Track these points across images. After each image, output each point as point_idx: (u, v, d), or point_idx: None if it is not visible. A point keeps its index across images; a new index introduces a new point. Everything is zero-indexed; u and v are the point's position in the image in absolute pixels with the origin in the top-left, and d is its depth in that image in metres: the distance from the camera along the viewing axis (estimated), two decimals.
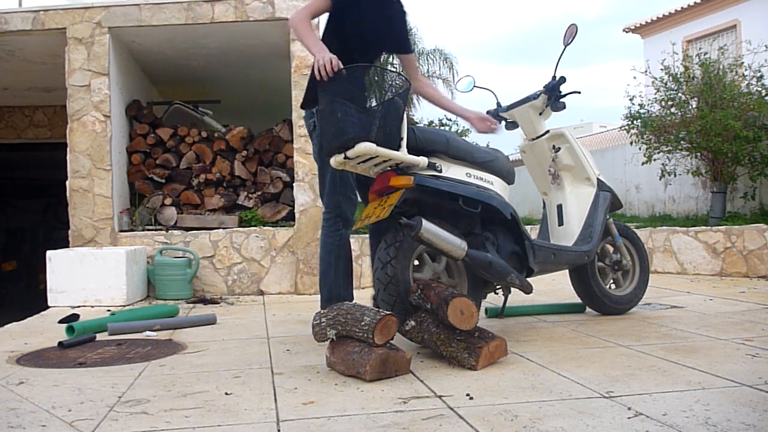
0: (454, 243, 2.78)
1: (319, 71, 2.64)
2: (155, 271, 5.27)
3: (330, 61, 2.63)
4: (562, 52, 3.42)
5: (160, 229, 5.66)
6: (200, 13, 5.53)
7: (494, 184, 3.05)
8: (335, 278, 3.18)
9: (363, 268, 5.66)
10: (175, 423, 1.95)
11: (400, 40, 3.25)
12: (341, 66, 2.64)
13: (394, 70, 2.77)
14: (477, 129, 3.37)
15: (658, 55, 7.79)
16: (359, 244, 5.70)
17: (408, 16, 3.27)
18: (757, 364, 2.45)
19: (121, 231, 5.60)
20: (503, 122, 3.69)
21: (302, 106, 3.22)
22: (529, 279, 3.16)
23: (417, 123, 15.15)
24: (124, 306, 4.81)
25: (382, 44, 3.23)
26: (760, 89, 6.67)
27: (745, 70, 7.06)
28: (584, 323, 3.51)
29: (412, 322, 2.70)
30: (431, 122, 17.84)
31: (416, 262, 2.98)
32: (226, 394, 2.26)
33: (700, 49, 8.77)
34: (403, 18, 3.23)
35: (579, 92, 3.55)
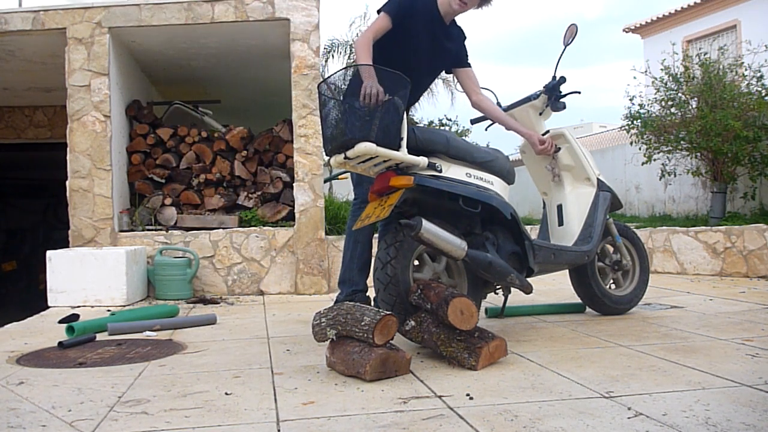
0: (454, 243, 2.78)
1: (365, 98, 2.60)
2: (155, 271, 5.27)
3: (378, 93, 2.59)
4: (562, 52, 3.43)
5: (160, 229, 5.66)
6: (200, 13, 5.53)
7: (494, 184, 3.05)
8: (349, 262, 3.37)
9: None
10: (175, 423, 1.95)
11: (457, 59, 3.30)
12: (384, 98, 2.61)
13: (394, 70, 2.77)
14: (535, 150, 3.43)
15: (658, 55, 7.78)
16: None
17: (466, 39, 3.31)
18: (757, 364, 2.45)
19: (121, 231, 5.60)
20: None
21: None
22: (529, 279, 3.16)
23: (417, 123, 15.16)
24: (124, 306, 4.81)
25: (436, 68, 3.28)
26: (760, 89, 6.66)
27: (745, 70, 7.05)
28: (584, 323, 3.51)
29: (412, 322, 2.70)
30: (431, 122, 17.85)
31: (416, 263, 2.98)
32: (226, 394, 2.26)
33: (700, 49, 8.78)
34: (461, 41, 3.29)
35: (579, 92, 3.55)
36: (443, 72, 3.47)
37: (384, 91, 2.61)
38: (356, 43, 3.02)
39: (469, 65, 3.35)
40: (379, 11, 3.08)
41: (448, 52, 3.25)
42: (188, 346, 3.21)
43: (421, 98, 3.43)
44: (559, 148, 3.59)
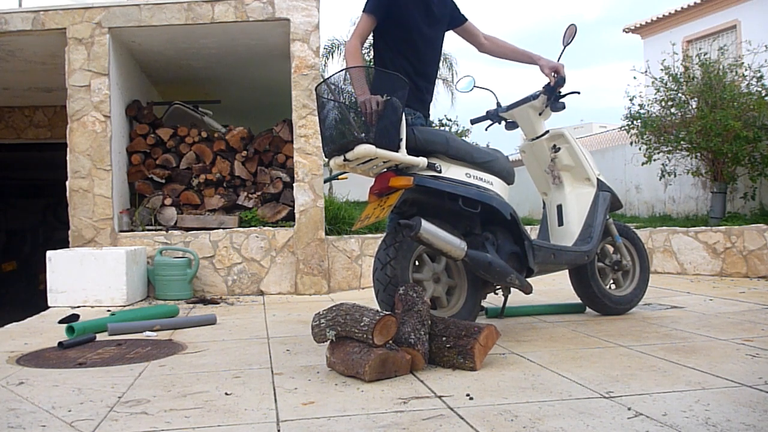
0: (454, 243, 2.78)
1: (367, 117, 2.62)
2: (155, 271, 5.27)
3: (377, 105, 2.61)
4: (562, 52, 3.43)
5: (160, 230, 5.66)
6: (200, 13, 5.53)
7: (494, 184, 3.06)
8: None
9: (363, 268, 5.66)
10: (175, 423, 1.95)
11: (452, 20, 3.28)
12: (380, 105, 2.62)
13: (392, 71, 2.77)
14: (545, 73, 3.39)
15: (658, 55, 7.78)
16: (359, 244, 5.71)
17: None
18: (757, 364, 2.45)
19: (121, 231, 5.60)
20: (503, 122, 3.69)
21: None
22: (529, 279, 3.16)
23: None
24: (124, 306, 4.81)
25: (439, 36, 3.24)
26: (760, 89, 6.66)
27: (745, 70, 7.05)
28: (584, 323, 3.51)
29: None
30: (431, 122, 17.87)
31: (416, 263, 2.98)
32: (226, 394, 2.26)
33: (700, 49, 8.77)
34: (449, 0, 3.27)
35: (578, 92, 3.55)
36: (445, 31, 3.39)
37: (382, 94, 2.61)
38: (345, 51, 3.02)
39: (466, 20, 3.33)
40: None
41: (443, 19, 3.23)
42: (188, 346, 3.21)
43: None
44: (559, 148, 3.59)
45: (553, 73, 3.35)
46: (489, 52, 3.44)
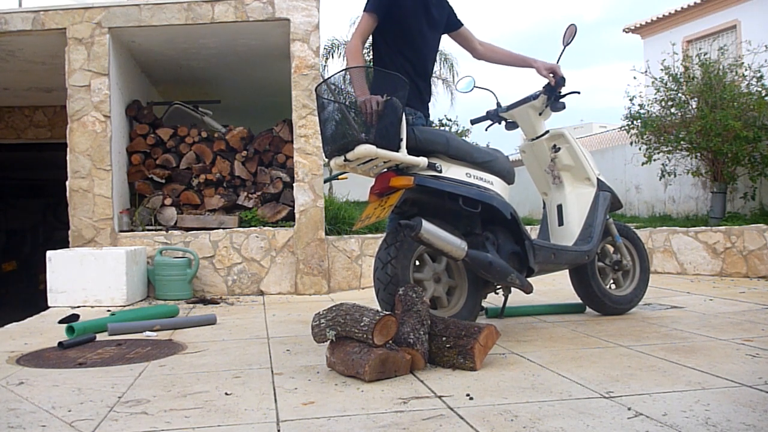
0: (454, 243, 2.78)
1: (367, 117, 2.63)
2: (155, 271, 5.27)
3: (377, 105, 2.61)
4: (562, 52, 3.43)
5: (160, 230, 5.66)
6: (200, 13, 5.53)
7: (494, 184, 3.06)
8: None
9: (363, 268, 5.66)
10: (175, 423, 1.95)
11: (448, 24, 3.30)
12: (380, 105, 2.63)
13: (392, 71, 2.77)
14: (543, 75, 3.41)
15: (658, 55, 7.78)
16: (359, 244, 5.71)
17: None
18: (757, 364, 2.45)
19: (121, 231, 5.60)
20: (503, 122, 3.69)
21: None
22: (529, 279, 3.16)
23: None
24: (124, 306, 4.81)
25: (437, 33, 3.26)
26: (760, 89, 6.66)
27: (745, 70, 7.05)
28: (584, 323, 3.51)
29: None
30: (431, 122, 17.86)
31: (417, 263, 2.98)
32: (226, 394, 2.26)
33: (700, 49, 8.77)
34: (447, 3, 3.28)
35: (578, 92, 3.55)
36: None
37: (382, 94, 2.62)
38: (346, 50, 3.02)
39: (462, 25, 3.35)
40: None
41: (441, 21, 3.24)
42: (188, 346, 3.21)
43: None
44: (559, 148, 3.60)
45: (550, 74, 3.35)
46: (484, 58, 3.45)
